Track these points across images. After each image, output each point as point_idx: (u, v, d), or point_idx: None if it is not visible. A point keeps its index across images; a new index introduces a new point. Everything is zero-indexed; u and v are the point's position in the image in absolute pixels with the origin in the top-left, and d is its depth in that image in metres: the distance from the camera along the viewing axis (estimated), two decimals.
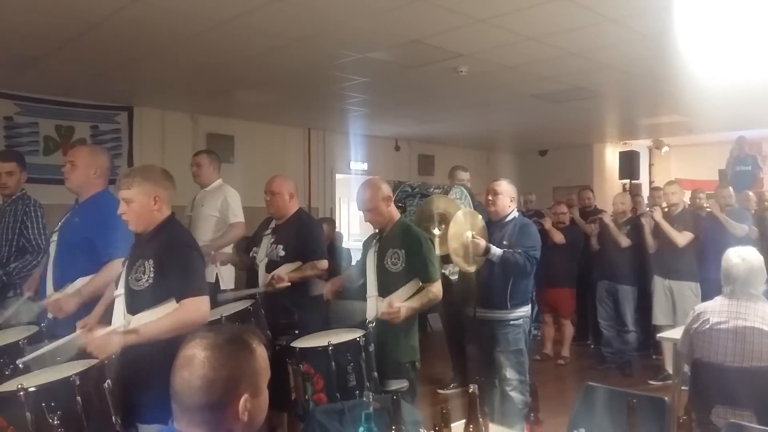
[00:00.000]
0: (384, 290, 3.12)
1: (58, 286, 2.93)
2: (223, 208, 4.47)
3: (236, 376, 1.37)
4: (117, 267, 2.70)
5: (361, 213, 3.31)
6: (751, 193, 6.83)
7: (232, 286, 4.37)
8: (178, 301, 2.33)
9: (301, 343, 2.89)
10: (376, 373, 2.84)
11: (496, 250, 3.71)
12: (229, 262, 4.15)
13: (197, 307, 2.34)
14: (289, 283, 3.42)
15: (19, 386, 2.03)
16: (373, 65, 5.08)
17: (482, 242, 3.70)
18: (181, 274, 2.36)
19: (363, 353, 2.79)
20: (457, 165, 5.66)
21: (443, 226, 3.90)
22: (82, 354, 2.32)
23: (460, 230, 3.70)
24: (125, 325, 2.35)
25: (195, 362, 1.35)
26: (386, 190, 3.23)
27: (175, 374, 1.37)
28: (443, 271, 4.05)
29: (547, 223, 6.09)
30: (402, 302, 3.00)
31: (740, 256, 2.88)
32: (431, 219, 3.96)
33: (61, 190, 3.32)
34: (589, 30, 4.22)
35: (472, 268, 3.77)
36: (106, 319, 2.52)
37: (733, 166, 8.65)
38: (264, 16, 3.89)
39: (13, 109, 6.03)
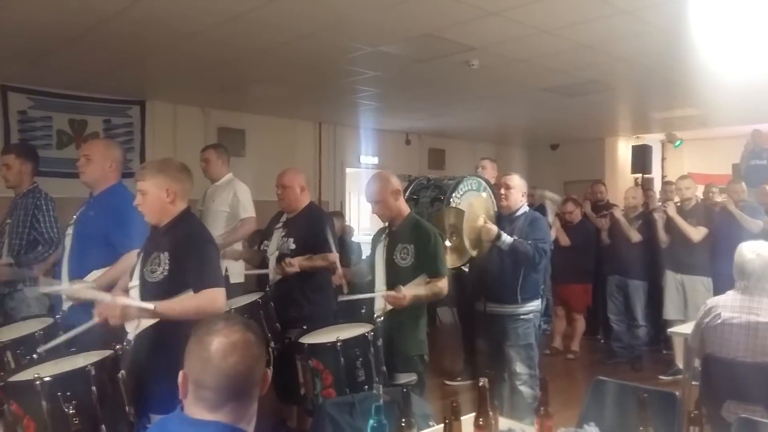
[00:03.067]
0: (392, 284, 3.10)
1: (73, 278, 2.96)
2: (233, 203, 4.49)
3: (264, 353, 1.46)
4: (132, 258, 2.73)
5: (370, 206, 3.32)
6: None
7: (242, 280, 4.40)
8: (195, 293, 2.35)
9: (309, 339, 2.91)
10: (384, 367, 2.86)
11: (506, 238, 3.72)
12: (239, 258, 4.17)
13: (214, 298, 2.36)
14: (299, 269, 3.44)
15: (36, 375, 2.07)
16: (385, 59, 5.07)
17: (494, 228, 3.72)
18: (198, 266, 2.38)
19: (372, 348, 2.80)
20: (483, 156, 5.74)
21: (455, 238, 3.91)
22: (98, 343, 2.35)
23: (474, 215, 3.73)
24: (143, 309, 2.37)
25: (241, 346, 1.38)
26: (395, 183, 3.23)
27: (217, 364, 1.35)
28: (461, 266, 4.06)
29: (557, 224, 6.06)
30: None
31: (755, 251, 2.86)
32: (443, 231, 3.96)
33: (74, 184, 3.36)
34: (602, 22, 4.19)
35: (474, 252, 3.78)
36: None
37: (748, 160, 8.53)
38: (275, 10, 3.90)
39: (27, 103, 6.08)
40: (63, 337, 2.32)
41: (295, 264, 3.44)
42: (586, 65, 5.35)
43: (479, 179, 5.07)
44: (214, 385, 1.36)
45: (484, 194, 4.01)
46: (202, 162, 4.62)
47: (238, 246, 4.46)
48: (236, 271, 4.36)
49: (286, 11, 3.93)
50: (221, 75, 5.68)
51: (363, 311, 3.18)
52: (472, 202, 3.76)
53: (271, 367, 3.13)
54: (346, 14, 4.02)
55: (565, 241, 6.06)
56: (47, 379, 2.08)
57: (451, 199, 4.56)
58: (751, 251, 2.87)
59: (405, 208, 3.29)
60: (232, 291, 3.87)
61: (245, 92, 6.45)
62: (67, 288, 2.86)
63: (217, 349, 1.37)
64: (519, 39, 4.55)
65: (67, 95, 6.26)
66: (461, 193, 4.63)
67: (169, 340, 2.25)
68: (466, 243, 3.76)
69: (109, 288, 2.82)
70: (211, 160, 4.61)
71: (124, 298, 2.32)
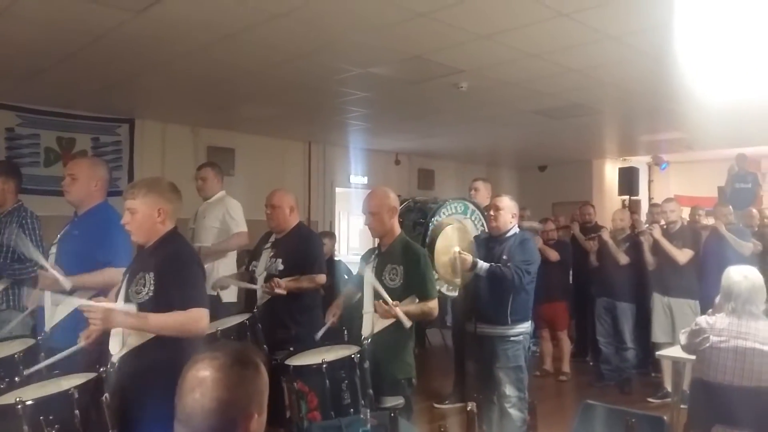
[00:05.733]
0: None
1: (56, 297, 2.92)
2: (224, 219, 4.50)
3: (248, 397, 1.35)
4: (112, 273, 2.71)
5: (360, 227, 3.32)
6: (754, 210, 6.82)
7: (234, 300, 4.37)
8: None
9: (295, 361, 2.87)
10: (371, 390, 2.82)
11: (482, 265, 3.72)
12: (229, 286, 4.14)
13: (198, 318, 2.34)
14: (285, 292, 3.41)
15: (17, 399, 2.02)
16: (374, 80, 5.10)
17: (468, 257, 3.72)
18: (182, 287, 2.37)
19: (358, 370, 2.77)
20: (476, 177, 5.62)
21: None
22: (81, 366, 2.32)
23: (448, 244, 3.72)
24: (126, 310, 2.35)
25: (207, 383, 1.32)
26: (394, 201, 3.26)
27: (184, 397, 1.33)
28: (440, 288, 4.04)
29: (539, 242, 6.09)
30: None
31: (742, 274, 2.91)
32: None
33: (61, 202, 3.33)
34: (589, 47, 4.25)
35: (457, 281, 3.78)
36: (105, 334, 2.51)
37: (733, 184, 8.66)
38: (266, 31, 3.92)
39: (15, 120, 6.04)
40: (48, 361, 2.28)
41: (283, 285, 3.42)
42: (574, 89, 5.41)
43: (466, 203, 5.02)
44: (182, 418, 1.33)
45: (466, 221, 3.99)
46: (199, 180, 4.67)
47: (229, 266, 4.44)
48: (228, 290, 4.34)
49: (277, 32, 3.96)
50: (211, 94, 5.69)
51: (347, 333, 3.15)
52: (447, 233, 3.74)
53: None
54: (337, 36, 4.05)
55: (554, 255, 6.08)
56: (29, 402, 2.03)
57: (431, 224, 4.55)
58: (738, 273, 2.92)
59: (397, 228, 3.28)
60: (225, 310, 3.85)
61: (235, 112, 6.47)
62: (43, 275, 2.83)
63: (186, 381, 1.34)
64: (507, 63, 4.61)
65: (55, 113, 6.23)
66: (443, 217, 4.64)
67: (153, 363, 2.22)
68: (442, 274, 3.72)
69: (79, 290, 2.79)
70: (209, 178, 4.67)
71: (107, 302, 2.29)
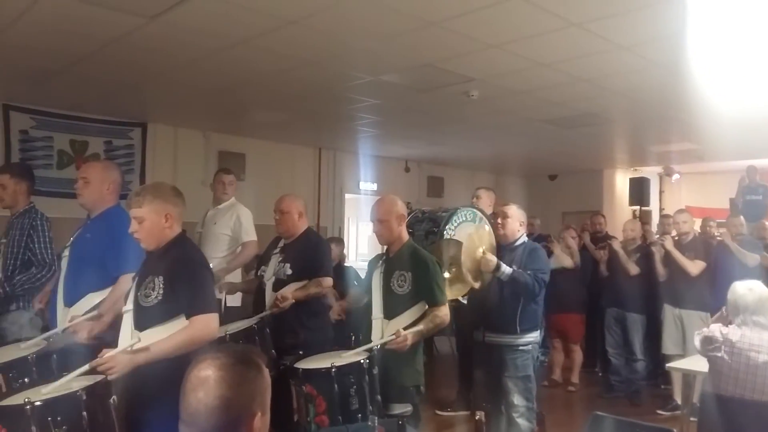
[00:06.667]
0: (390, 312, 3.09)
1: (69, 300, 2.94)
2: (235, 227, 4.53)
3: (251, 395, 1.36)
4: (128, 282, 2.72)
5: (369, 233, 3.33)
6: (767, 223, 6.76)
7: (238, 304, 4.38)
8: (187, 318, 2.34)
9: (304, 365, 2.87)
10: (379, 397, 2.81)
11: (505, 269, 3.72)
12: (236, 291, 4.16)
13: (206, 324, 2.35)
14: (294, 300, 3.42)
15: (26, 400, 2.03)
16: (385, 88, 5.12)
17: (493, 259, 3.72)
18: (191, 291, 2.37)
19: (366, 376, 2.77)
20: (479, 186, 5.64)
21: (454, 269, 3.89)
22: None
23: (473, 246, 3.72)
24: (132, 345, 2.34)
25: (210, 383, 1.33)
26: (402, 208, 3.27)
27: (187, 397, 1.34)
28: (458, 297, 4.02)
29: (556, 248, 6.06)
30: (409, 329, 2.96)
31: (747, 287, 2.94)
32: (441, 263, 3.95)
33: (73, 204, 3.35)
34: (600, 57, 4.25)
35: (476, 284, 3.77)
36: (114, 334, 2.52)
37: (744, 195, 8.59)
38: (277, 38, 3.95)
39: (29, 122, 6.11)
40: (62, 380, 2.28)
41: (289, 296, 3.41)
42: (584, 98, 5.40)
43: (474, 210, 5.01)
44: (186, 418, 1.34)
45: (486, 227, 4.00)
46: (226, 185, 4.75)
47: (236, 276, 4.46)
48: (234, 295, 4.35)
49: (288, 39, 3.98)
50: (223, 100, 5.73)
51: (353, 339, 3.14)
52: (472, 234, 3.75)
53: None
54: (348, 44, 4.07)
55: (569, 262, 6.04)
56: (38, 403, 2.04)
57: (445, 232, 4.53)
58: (743, 287, 2.96)
59: (405, 235, 3.29)
60: (229, 315, 3.85)
61: (246, 117, 6.50)
62: (60, 332, 2.85)
63: (189, 381, 1.35)
64: (518, 72, 4.61)
65: (69, 116, 6.29)
66: (455, 224, 4.63)
67: (161, 366, 2.22)
68: (467, 276, 3.74)
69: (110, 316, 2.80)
70: (234, 184, 4.84)
71: (114, 351, 2.28)
